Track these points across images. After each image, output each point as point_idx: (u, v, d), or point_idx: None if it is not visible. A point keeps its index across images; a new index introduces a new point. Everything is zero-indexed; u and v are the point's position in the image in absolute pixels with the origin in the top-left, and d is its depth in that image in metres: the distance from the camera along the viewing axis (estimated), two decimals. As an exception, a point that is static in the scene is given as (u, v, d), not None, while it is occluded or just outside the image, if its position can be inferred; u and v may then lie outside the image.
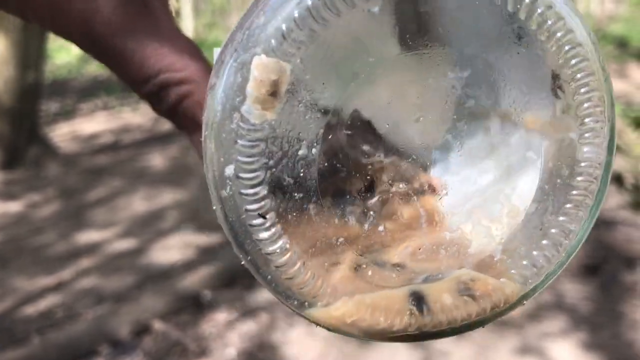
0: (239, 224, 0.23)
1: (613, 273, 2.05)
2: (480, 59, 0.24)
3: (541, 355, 1.69)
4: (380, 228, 0.25)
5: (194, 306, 2.00)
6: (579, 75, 0.24)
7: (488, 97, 0.25)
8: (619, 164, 1.90)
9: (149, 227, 2.58)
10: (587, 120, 0.24)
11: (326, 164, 0.24)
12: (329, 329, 0.24)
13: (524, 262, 0.25)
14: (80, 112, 4.75)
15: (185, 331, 1.87)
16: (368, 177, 0.25)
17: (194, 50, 0.32)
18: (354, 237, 0.25)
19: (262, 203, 0.22)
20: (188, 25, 7.52)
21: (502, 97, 0.25)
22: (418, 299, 0.24)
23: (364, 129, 0.25)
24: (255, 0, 0.23)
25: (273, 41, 0.21)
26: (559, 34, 0.23)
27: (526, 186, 0.26)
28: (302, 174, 0.23)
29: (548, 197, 0.25)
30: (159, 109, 0.33)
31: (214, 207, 0.23)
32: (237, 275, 2.10)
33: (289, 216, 0.23)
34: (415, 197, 0.26)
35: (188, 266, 2.21)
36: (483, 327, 0.25)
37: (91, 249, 2.41)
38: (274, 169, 0.23)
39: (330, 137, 0.24)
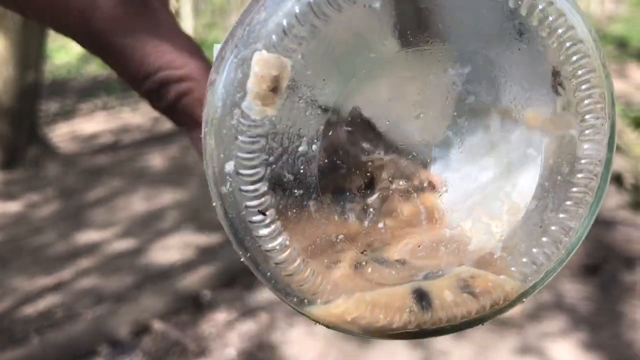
0: (239, 220, 0.23)
1: (613, 273, 2.05)
2: (480, 55, 0.24)
3: (541, 355, 1.69)
4: (380, 225, 0.25)
5: (194, 306, 1.99)
6: (579, 72, 0.24)
7: (488, 94, 0.25)
8: (619, 163, 1.90)
9: (149, 227, 2.58)
10: (587, 117, 0.24)
11: (326, 161, 0.24)
12: (328, 327, 0.24)
13: (524, 260, 0.25)
14: (79, 112, 4.75)
15: (184, 331, 1.86)
16: (368, 174, 0.25)
17: (193, 47, 0.32)
18: (354, 234, 0.25)
19: (262, 199, 0.22)
20: (188, 25, 7.52)
21: (502, 94, 0.25)
22: (420, 296, 0.24)
23: (364, 125, 0.25)
24: None
25: (274, 37, 0.21)
26: (560, 31, 0.23)
27: (526, 183, 0.26)
28: (302, 171, 0.23)
29: (548, 194, 0.25)
30: (158, 106, 0.33)
31: (214, 204, 0.23)
32: (236, 275, 2.10)
33: (289, 213, 0.23)
34: (415, 194, 0.26)
35: (187, 266, 2.21)
36: (482, 324, 0.25)
37: (91, 249, 2.40)
38: (274, 166, 0.22)
39: (330, 133, 0.24)
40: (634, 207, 2.30)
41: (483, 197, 0.26)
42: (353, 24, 0.22)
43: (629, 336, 1.76)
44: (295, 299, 0.24)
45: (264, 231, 0.23)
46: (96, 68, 6.05)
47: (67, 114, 4.64)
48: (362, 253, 0.25)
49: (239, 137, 0.22)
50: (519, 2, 0.23)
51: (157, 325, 1.89)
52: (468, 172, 0.26)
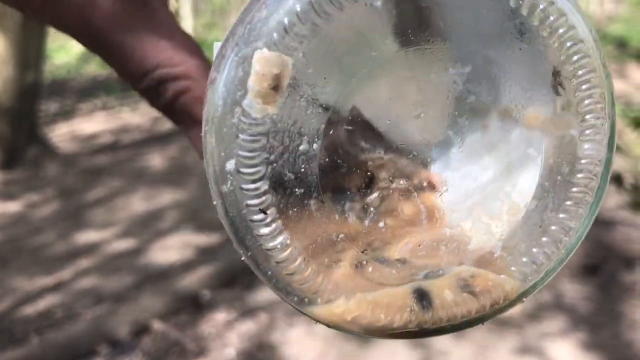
0: (240, 219, 0.22)
1: (612, 273, 2.05)
2: (481, 54, 0.24)
3: (540, 355, 1.69)
4: (381, 224, 0.25)
5: (193, 306, 1.99)
6: (580, 72, 0.24)
7: (489, 93, 0.25)
8: (619, 163, 1.90)
9: (148, 227, 2.58)
10: (587, 117, 0.24)
11: (327, 160, 0.24)
12: (329, 326, 0.24)
13: (524, 259, 0.25)
14: (79, 112, 4.75)
15: (184, 331, 1.86)
16: (369, 173, 0.25)
17: (193, 46, 0.32)
18: (355, 233, 0.25)
19: (263, 198, 0.22)
20: (187, 25, 7.51)
21: (503, 93, 0.25)
22: (421, 296, 0.24)
23: (364, 124, 0.25)
24: None
25: (275, 35, 0.21)
26: (561, 30, 0.23)
27: (526, 183, 0.26)
28: (303, 170, 0.23)
29: (548, 194, 0.25)
30: (156, 104, 0.33)
31: (214, 203, 0.23)
32: (236, 275, 2.10)
33: (290, 212, 0.23)
34: (415, 194, 0.26)
35: (187, 266, 2.21)
36: (482, 324, 0.25)
37: (90, 249, 2.40)
38: (275, 164, 0.22)
39: (331, 132, 0.24)
40: (633, 207, 2.30)
41: (483, 196, 0.26)
42: (354, 23, 0.22)
43: (629, 336, 1.76)
44: (295, 298, 0.24)
45: (264, 230, 0.23)
46: (96, 68, 6.05)
47: (66, 114, 4.64)
48: (362, 252, 0.25)
49: (240, 135, 0.22)
50: (520, 2, 0.23)
51: (157, 325, 1.89)
52: (468, 171, 0.26)
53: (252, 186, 0.22)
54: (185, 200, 2.81)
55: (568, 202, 0.25)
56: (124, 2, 0.30)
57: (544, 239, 0.25)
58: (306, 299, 0.24)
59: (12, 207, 2.88)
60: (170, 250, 2.36)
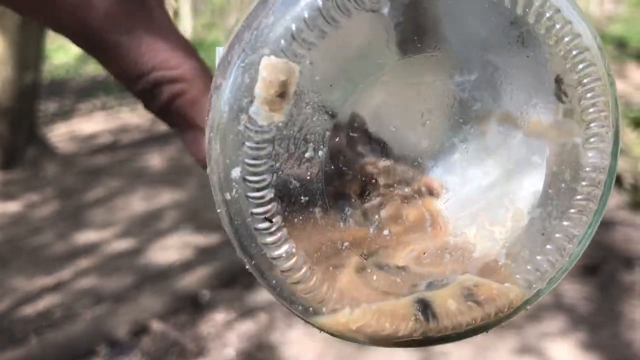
0: (244, 227, 0.22)
1: (612, 273, 2.05)
2: (487, 62, 0.24)
3: (540, 355, 1.69)
4: (385, 232, 0.25)
5: (193, 306, 1.99)
6: (585, 81, 0.24)
7: (494, 101, 0.25)
8: (618, 164, 1.90)
9: (148, 227, 2.58)
10: (592, 125, 0.24)
11: (332, 167, 0.24)
12: (333, 335, 0.24)
13: (528, 267, 0.25)
14: (78, 112, 4.74)
15: (183, 331, 1.86)
16: (373, 181, 0.25)
17: (188, 48, 0.32)
18: (359, 241, 0.25)
19: (269, 206, 0.22)
20: (187, 26, 7.51)
21: (507, 101, 0.25)
22: (425, 305, 0.24)
23: (369, 132, 0.25)
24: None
25: (282, 41, 0.21)
26: (566, 39, 0.23)
27: (530, 190, 0.26)
28: (308, 177, 0.23)
29: (552, 202, 0.25)
30: (151, 107, 0.32)
31: (218, 210, 0.23)
32: (235, 276, 2.09)
33: (295, 220, 0.23)
34: (420, 201, 0.26)
35: (186, 266, 2.21)
36: (487, 332, 0.25)
37: (89, 249, 2.40)
38: (280, 172, 0.22)
39: (336, 139, 0.24)
40: (633, 207, 2.30)
41: (487, 203, 0.26)
42: (361, 30, 0.22)
43: (628, 336, 1.76)
44: (300, 307, 0.23)
45: (270, 239, 0.22)
46: (95, 68, 6.04)
47: (65, 114, 4.64)
48: (367, 260, 0.25)
49: (246, 143, 0.21)
50: (527, 10, 0.23)
51: (156, 325, 1.89)
52: (472, 178, 0.26)
53: (257, 194, 0.22)
54: (185, 200, 2.81)
55: (572, 210, 0.25)
56: (122, 2, 0.30)
57: (548, 246, 0.25)
58: (311, 308, 0.23)
59: (11, 207, 2.88)
60: (169, 250, 2.36)
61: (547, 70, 0.24)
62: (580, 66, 0.24)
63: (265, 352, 1.76)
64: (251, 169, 0.22)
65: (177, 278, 2.13)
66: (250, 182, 0.22)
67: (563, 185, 0.25)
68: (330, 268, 0.24)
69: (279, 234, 0.22)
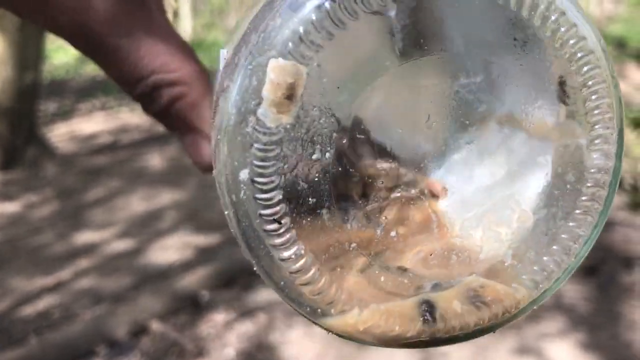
0: (252, 229, 0.22)
1: (611, 273, 2.05)
2: (491, 63, 0.24)
3: (539, 355, 1.69)
4: (393, 233, 0.25)
5: (192, 306, 1.99)
6: (590, 83, 0.24)
7: (498, 102, 0.25)
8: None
9: (147, 227, 2.58)
10: (596, 127, 0.24)
11: (339, 169, 0.24)
12: (341, 336, 0.24)
13: (535, 268, 0.25)
14: (78, 112, 4.74)
15: (183, 332, 1.86)
16: (380, 182, 0.25)
17: (187, 50, 0.32)
18: (367, 242, 0.25)
19: (277, 208, 0.22)
20: (186, 26, 7.51)
21: (511, 103, 0.25)
22: (430, 307, 0.24)
23: (375, 133, 0.25)
24: (269, 2, 0.23)
25: (290, 44, 0.21)
26: (571, 42, 0.23)
27: (536, 191, 0.26)
28: (316, 179, 0.23)
29: (557, 203, 0.25)
30: (150, 110, 0.32)
31: (226, 212, 0.23)
32: (235, 276, 2.09)
33: (303, 221, 0.23)
34: (426, 203, 0.26)
35: (186, 266, 2.21)
36: (494, 332, 0.25)
37: (89, 249, 2.40)
38: (288, 174, 0.22)
39: (343, 141, 0.24)
40: (632, 207, 2.30)
41: (493, 205, 0.26)
42: (368, 32, 0.22)
43: (628, 337, 1.77)
44: (308, 309, 0.23)
45: (278, 240, 0.22)
46: (94, 68, 6.03)
47: (65, 114, 4.64)
48: (374, 261, 0.25)
49: (254, 144, 0.21)
50: (532, 13, 0.23)
51: (156, 325, 1.89)
52: (478, 180, 0.26)
53: (265, 196, 0.22)
54: (185, 200, 2.81)
55: (577, 211, 0.25)
56: (122, 3, 0.29)
57: (554, 247, 0.25)
58: (319, 310, 0.23)
59: (11, 207, 2.88)
60: (169, 250, 2.36)
61: (551, 72, 0.24)
62: (585, 68, 0.24)
63: (265, 353, 1.76)
64: (259, 170, 0.22)
65: (177, 278, 2.13)
66: (259, 183, 0.22)
67: (568, 186, 0.25)
68: (338, 269, 0.24)
69: (287, 236, 0.22)
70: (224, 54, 0.27)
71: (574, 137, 0.25)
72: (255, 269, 0.23)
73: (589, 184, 0.25)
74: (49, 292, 2.10)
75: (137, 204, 2.84)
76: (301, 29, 0.21)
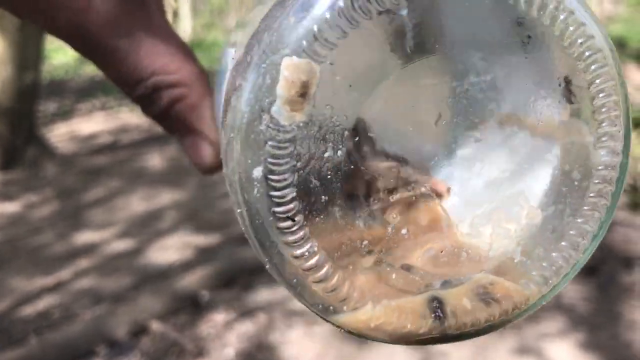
0: (265, 227, 0.22)
1: (611, 274, 2.05)
2: (499, 63, 0.25)
3: (539, 355, 1.69)
4: (404, 231, 0.25)
5: (192, 307, 1.99)
6: (597, 81, 0.24)
7: (508, 101, 0.25)
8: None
9: (147, 227, 2.58)
10: (604, 124, 0.25)
11: (351, 167, 0.24)
12: (352, 333, 0.24)
13: (543, 264, 0.25)
14: (78, 112, 4.74)
15: (183, 332, 1.86)
16: (391, 180, 0.25)
17: (187, 51, 0.32)
18: (378, 240, 0.25)
19: (291, 205, 0.22)
20: (186, 26, 7.51)
21: (518, 102, 0.25)
22: (440, 303, 0.24)
23: (386, 131, 0.25)
24: (280, 1, 0.23)
25: (304, 42, 0.21)
26: (580, 40, 0.24)
27: (544, 188, 0.26)
28: (328, 177, 0.23)
29: (565, 200, 0.26)
30: (150, 112, 0.32)
31: (238, 210, 0.23)
32: (235, 276, 2.10)
33: (316, 219, 0.23)
34: (436, 200, 0.26)
35: (186, 266, 2.21)
36: (504, 328, 0.26)
37: (89, 249, 2.40)
38: (301, 171, 0.22)
39: (355, 139, 0.24)
40: (632, 207, 2.30)
41: (502, 202, 0.26)
42: (380, 31, 0.22)
43: (627, 337, 1.77)
44: (320, 307, 0.23)
45: (291, 237, 0.22)
46: (94, 68, 6.02)
47: (65, 114, 4.64)
48: (385, 259, 0.25)
49: (268, 142, 0.22)
50: (541, 12, 0.23)
51: (156, 325, 1.89)
52: (487, 177, 0.27)
53: (279, 193, 0.22)
54: (185, 200, 2.81)
55: (585, 207, 0.25)
56: (121, 4, 0.29)
57: (562, 243, 0.25)
58: (331, 307, 0.23)
59: (10, 207, 2.88)
60: (169, 250, 2.36)
61: (556, 71, 0.24)
62: (593, 67, 0.24)
63: (265, 353, 1.76)
64: (273, 167, 0.22)
65: (177, 278, 2.13)
66: (273, 181, 0.22)
67: (575, 183, 0.25)
68: (350, 267, 0.24)
69: (300, 233, 0.22)
70: (232, 53, 0.27)
71: (579, 136, 0.25)
72: (266, 267, 0.23)
73: (596, 181, 0.25)
74: (49, 292, 2.10)
75: (137, 204, 2.84)
76: (315, 27, 0.21)
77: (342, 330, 0.24)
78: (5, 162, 3.42)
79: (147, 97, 0.31)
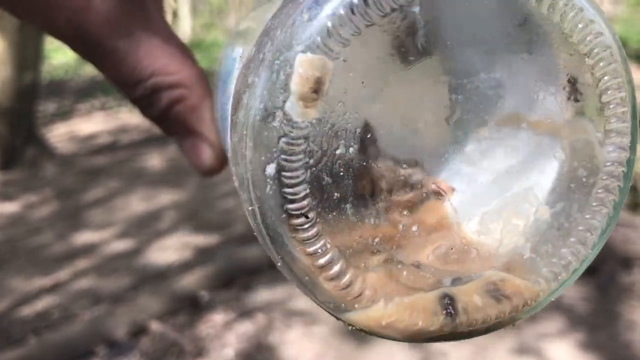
0: (278, 224, 0.22)
1: (610, 274, 2.06)
2: (507, 60, 0.25)
3: (539, 355, 1.69)
4: (414, 228, 0.25)
5: (191, 307, 1.99)
6: (606, 78, 0.24)
7: (517, 99, 0.26)
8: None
9: (147, 227, 2.58)
10: (612, 120, 0.25)
11: (363, 163, 0.24)
12: (364, 331, 0.24)
13: (553, 260, 0.25)
14: (77, 112, 4.74)
15: (182, 332, 1.86)
16: (402, 177, 0.25)
17: (186, 52, 0.31)
18: (389, 237, 0.25)
19: (304, 202, 0.22)
20: (186, 26, 7.51)
21: (526, 99, 0.26)
22: (451, 300, 0.24)
23: (397, 128, 0.25)
24: None
25: (318, 38, 0.21)
26: (589, 37, 0.24)
27: (551, 185, 0.26)
28: (340, 174, 0.23)
29: (573, 196, 0.26)
30: (149, 113, 0.32)
31: (250, 208, 0.23)
32: (234, 276, 2.10)
33: (329, 216, 0.23)
34: (446, 197, 0.26)
35: (185, 267, 2.21)
36: (514, 325, 0.26)
37: (88, 249, 2.40)
38: (314, 168, 0.22)
39: (367, 136, 0.24)
40: (632, 208, 2.30)
41: (511, 199, 0.26)
42: (393, 28, 0.22)
43: (627, 337, 1.77)
44: (332, 304, 0.23)
45: (304, 234, 0.22)
46: (94, 69, 6.04)
47: (64, 115, 4.64)
48: (396, 257, 0.25)
49: (282, 139, 0.21)
50: (551, 10, 0.23)
51: (155, 326, 1.89)
52: (497, 174, 0.27)
53: (292, 190, 0.22)
54: (184, 200, 2.81)
55: (594, 203, 0.25)
56: (121, 5, 0.29)
57: (571, 239, 0.26)
58: (343, 305, 0.23)
59: (10, 207, 2.88)
60: (168, 250, 2.36)
61: (562, 69, 0.25)
62: (602, 64, 0.24)
63: (264, 353, 1.76)
64: (287, 164, 0.22)
65: (176, 279, 2.13)
66: (286, 177, 0.22)
67: (583, 179, 0.25)
68: (362, 264, 0.24)
69: (313, 230, 0.22)
70: (240, 52, 0.27)
71: (585, 133, 0.25)
72: (277, 264, 0.23)
73: (603, 177, 0.25)
74: (48, 292, 2.10)
75: (136, 204, 2.84)
76: (329, 24, 0.21)
77: (352, 328, 0.24)
78: (5, 162, 3.42)
79: (146, 98, 0.31)
